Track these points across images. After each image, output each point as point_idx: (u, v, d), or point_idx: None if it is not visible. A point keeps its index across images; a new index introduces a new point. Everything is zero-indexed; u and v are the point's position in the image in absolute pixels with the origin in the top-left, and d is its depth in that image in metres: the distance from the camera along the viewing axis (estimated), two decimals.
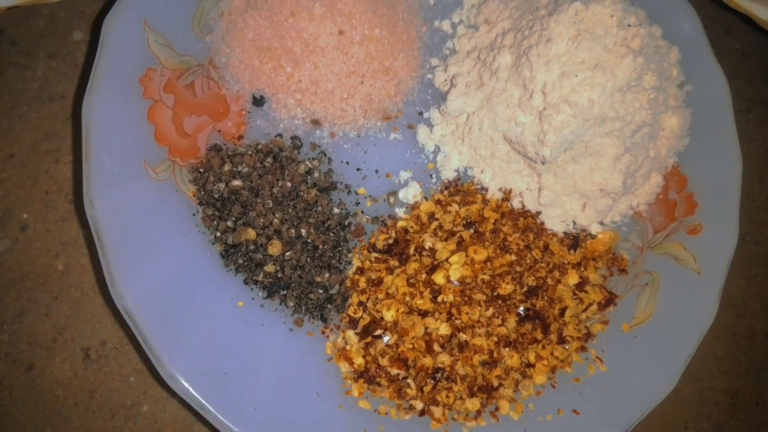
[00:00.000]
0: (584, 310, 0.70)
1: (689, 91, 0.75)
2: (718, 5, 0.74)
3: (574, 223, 0.72)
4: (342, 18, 0.67)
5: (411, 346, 0.66)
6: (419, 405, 0.65)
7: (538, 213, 0.71)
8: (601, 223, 0.73)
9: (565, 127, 0.65)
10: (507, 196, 0.72)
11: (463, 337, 0.66)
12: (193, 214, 0.67)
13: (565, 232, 0.72)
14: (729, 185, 0.73)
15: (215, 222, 0.67)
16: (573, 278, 0.69)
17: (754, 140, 0.83)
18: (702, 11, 0.80)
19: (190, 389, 0.61)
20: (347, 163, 0.72)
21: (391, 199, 0.72)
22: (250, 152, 0.69)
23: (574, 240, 0.71)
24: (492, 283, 0.67)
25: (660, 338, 0.69)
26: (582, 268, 0.71)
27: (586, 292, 0.70)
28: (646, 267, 0.72)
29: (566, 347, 0.68)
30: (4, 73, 0.73)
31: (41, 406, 0.68)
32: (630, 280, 0.72)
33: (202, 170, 0.68)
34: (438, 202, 0.71)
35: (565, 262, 0.70)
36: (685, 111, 0.74)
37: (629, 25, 0.66)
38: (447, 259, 0.67)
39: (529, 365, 0.68)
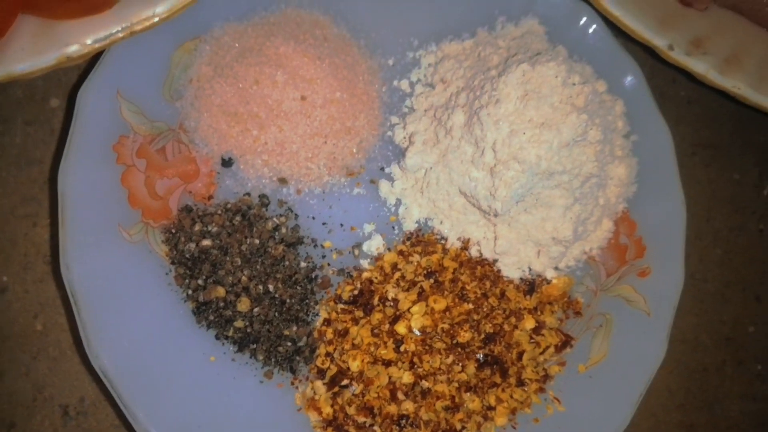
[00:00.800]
0: (542, 353, 0.73)
1: (635, 140, 0.79)
2: (660, 60, 0.79)
3: (530, 270, 0.76)
4: (304, 84, 0.72)
5: (376, 394, 0.69)
6: None
7: (495, 261, 0.75)
8: (556, 268, 0.77)
9: (515, 182, 0.69)
10: (465, 245, 0.76)
11: (425, 384, 0.69)
12: (166, 273, 0.70)
13: (521, 278, 0.76)
14: (675, 230, 0.77)
15: (187, 280, 0.70)
16: (530, 323, 0.73)
17: (701, 182, 0.88)
18: (648, 62, 0.85)
19: None
20: (313, 218, 0.75)
21: (356, 251, 0.75)
22: (219, 212, 0.72)
23: (530, 286, 0.75)
24: (451, 331, 0.71)
25: (614, 377, 0.73)
26: (538, 313, 0.74)
27: (542, 335, 0.74)
28: (600, 309, 0.76)
29: (525, 389, 0.72)
30: None
31: None
32: (585, 323, 0.76)
33: (173, 231, 0.71)
34: (400, 252, 0.75)
35: (522, 307, 0.74)
36: (632, 160, 0.78)
37: (573, 84, 0.71)
38: (408, 310, 0.71)
39: (490, 408, 0.71)
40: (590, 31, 0.81)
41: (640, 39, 0.78)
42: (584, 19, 0.81)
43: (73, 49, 0.66)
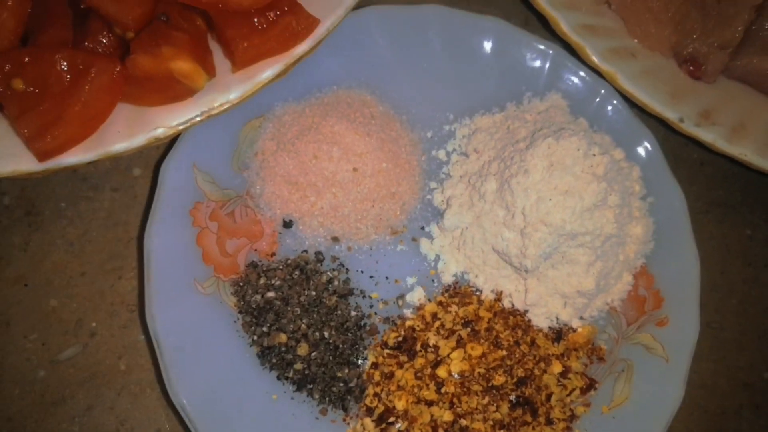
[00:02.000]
0: (568, 395, 0.81)
1: (651, 202, 0.88)
2: (671, 130, 0.88)
3: (557, 319, 0.84)
4: (355, 157, 0.82)
5: (420, 431, 0.77)
6: None
7: (526, 311, 0.83)
8: (581, 318, 0.84)
9: (543, 242, 0.78)
10: (498, 297, 0.84)
11: (463, 422, 0.77)
12: (234, 321, 0.80)
13: (549, 327, 0.83)
14: (690, 283, 0.84)
15: (253, 328, 0.80)
16: (557, 368, 0.81)
17: (715, 238, 0.96)
18: (662, 127, 0.93)
19: None
20: (362, 271, 0.85)
21: (400, 302, 0.84)
22: (281, 267, 0.82)
23: (558, 334, 0.83)
24: (487, 375, 0.79)
25: (636, 418, 0.80)
26: (565, 358, 0.82)
27: (569, 378, 0.81)
28: (621, 355, 0.84)
29: (553, 428, 0.79)
30: (77, 205, 0.88)
31: None
32: (608, 368, 0.83)
33: (241, 284, 0.81)
34: (440, 303, 0.84)
35: (550, 353, 0.82)
36: (648, 220, 0.86)
37: (594, 155, 0.80)
38: (448, 355, 0.79)
39: None
40: (608, 104, 0.91)
41: (653, 112, 0.87)
42: (602, 93, 0.91)
43: (160, 131, 0.75)
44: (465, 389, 0.78)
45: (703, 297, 0.84)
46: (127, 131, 0.76)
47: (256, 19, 0.76)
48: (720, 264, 0.95)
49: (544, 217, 0.78)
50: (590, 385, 0.82)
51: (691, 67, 0.92)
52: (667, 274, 0.86)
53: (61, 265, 0.85)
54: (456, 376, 0.79)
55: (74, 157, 0.75)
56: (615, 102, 0.90)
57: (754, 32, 0.91)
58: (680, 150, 0.99)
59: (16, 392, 0.81)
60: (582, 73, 0.91)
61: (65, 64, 0.73)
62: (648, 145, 0.90)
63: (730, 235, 0.96)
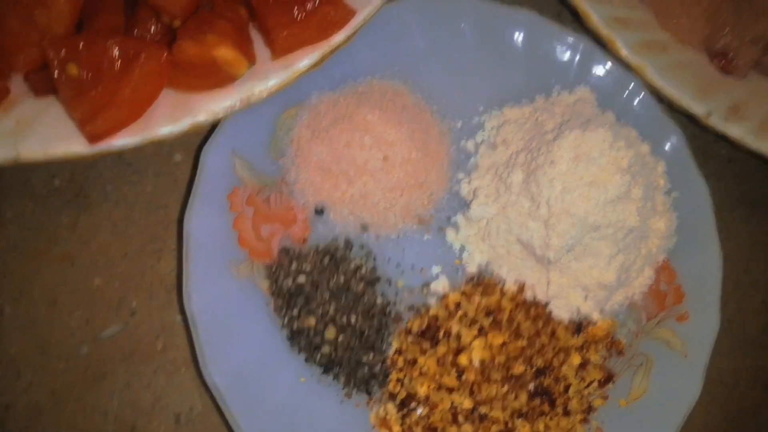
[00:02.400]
0: (586, 387, 0.83)
1: (676, 197, 0.89)
2: (700, 127, 0.88)
3: (578, 312, 0.85)
4: (386, 146, 0.85)
5: (440, 417, 0.80)
6: None
7: (547, 303, 0.85)
8: (601, 311, 0.86)
9: (566, 233, 0.80)
10: (521, 288, 0.86)
11: (483, 409, 0.80)
12: (267, 304, 0.83)
13: (570, 319, 0.85)
14: (712, 279, 0.85)
15: (283, 311, 0.83)
16: (576, 359, 0.83)
17: (741, 235, 0.96)
18: (691, 124, 0.94)
19: None
20: (389, 260, 0.87)
21: (425, 290, 0.87)
22: (312, 253, 0.85)
23: (578, 326, 0.85)
24: (507, 364, 0.81)
25: (653, 412, 0.82)
26: (584, 351, 0.84)
27: (587, 371, 0.83)
28: (641, 350, 0.85)
29: (571, 419, 0.82)
30: (121, 189, 0.92)
31: None
32: (626, 361, 0.85)
33: (274, 268, 0.84)
34: (463, 293, 0.86)
35: (570, 345, 0.84)
36: (672, 215, 0.87)
37: (619, 148, 0.81)
38: (470, 344, 0.82)
39: None
40: (636, 98, 0.91)
41: (681, 106, 0.87)
42: (631, 86, 0.92)
43: (202, 117, 0.79)
44: (485, 377, 0.80)
45: (726, 294, 0.84)
46: (171, 116, 0.79)
47: (296, 9, 0.79)
48: (744, 262, 0.95)
49: (568, 207, 0.79)
50: (608, 378, 0.84)
51: (722, 62, 0.92)
52: (690, 270, 0.87)
53: (105, 246, 0.90)
54: (477, 364, 0.81)
55: (122, 140, 0.79)
56: (643, 96, 0.91)
57: None
58: (708, 147, 0.99)
59: (61, 367, 0.86)
60: (611, 67, 0.92)
61: (117, 50, 0.77)
62: (675, 140, 0.90)
63: (756, 233, 0.96)
